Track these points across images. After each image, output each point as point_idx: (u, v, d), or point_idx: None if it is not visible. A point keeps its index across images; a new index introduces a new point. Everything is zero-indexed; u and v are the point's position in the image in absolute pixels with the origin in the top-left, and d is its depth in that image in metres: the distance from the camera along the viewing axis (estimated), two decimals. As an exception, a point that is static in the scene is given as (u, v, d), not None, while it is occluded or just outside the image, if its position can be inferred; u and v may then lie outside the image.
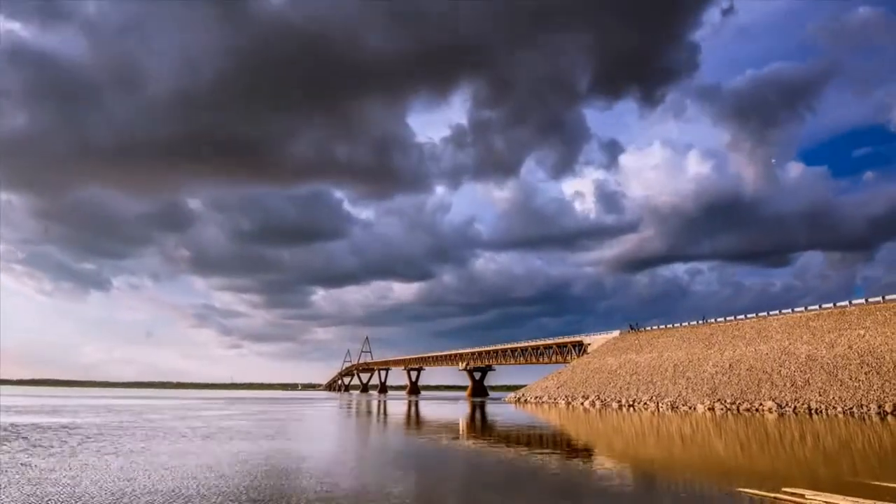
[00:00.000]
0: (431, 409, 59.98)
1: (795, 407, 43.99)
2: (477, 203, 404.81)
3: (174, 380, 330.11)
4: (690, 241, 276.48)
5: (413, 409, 61.56)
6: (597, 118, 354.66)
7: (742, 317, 65.47)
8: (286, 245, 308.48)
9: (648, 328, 79.05)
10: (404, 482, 12.65)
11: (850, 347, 48.10)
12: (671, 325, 75.26)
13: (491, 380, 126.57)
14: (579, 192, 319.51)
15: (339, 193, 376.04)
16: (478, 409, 61.80)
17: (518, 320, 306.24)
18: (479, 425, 35.45)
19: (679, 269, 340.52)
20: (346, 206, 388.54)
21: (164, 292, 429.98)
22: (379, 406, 69.37)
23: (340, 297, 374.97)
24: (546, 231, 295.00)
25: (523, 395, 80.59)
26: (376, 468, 15.80)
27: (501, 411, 54.27)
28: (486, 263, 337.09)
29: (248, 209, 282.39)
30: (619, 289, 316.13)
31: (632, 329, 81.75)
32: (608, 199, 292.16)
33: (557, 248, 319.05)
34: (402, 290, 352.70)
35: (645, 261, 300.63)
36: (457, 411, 55.61)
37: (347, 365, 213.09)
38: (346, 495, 10.59)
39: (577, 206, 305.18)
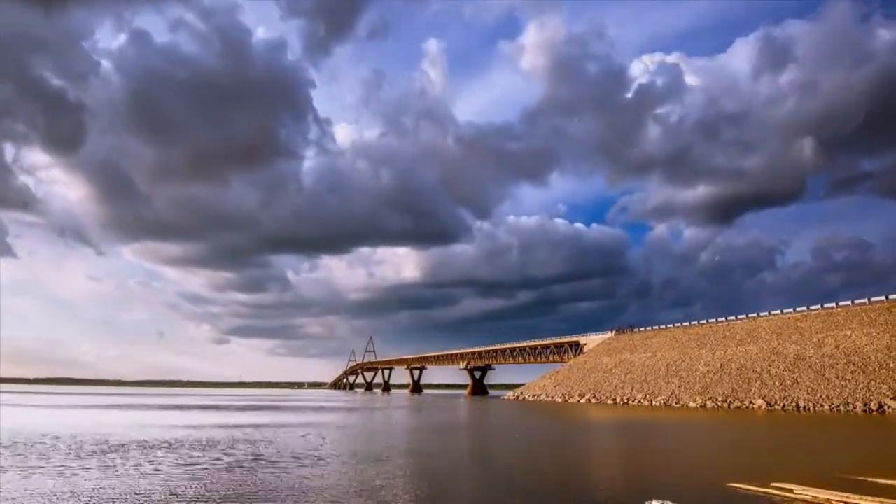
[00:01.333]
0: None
1: (784, 405, 43.93)
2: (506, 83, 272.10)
3: (184, 378, 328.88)
4: (840, 159, 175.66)
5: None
6: None
7: (733, 318, 65.48)
8: (222, 168, 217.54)
9: (642, 329, 79.10)
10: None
11: (836, 347, 48.05)
12: (664, 326, 75.35)
13: (490, 378, 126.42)
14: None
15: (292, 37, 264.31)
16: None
17: (549, 306, 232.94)
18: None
19: (792, 214, 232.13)
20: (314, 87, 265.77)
21: (98, 267, 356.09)
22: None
23: (324, 276, 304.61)
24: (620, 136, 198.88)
25: (522, 393, 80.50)
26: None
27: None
28: (513, 214, 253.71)
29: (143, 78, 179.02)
30: (691, 254, 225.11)
31: (625, 330, 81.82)
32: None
33: (632, 172, 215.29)
34: (403, 264, 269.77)
35: (747, 201, 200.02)
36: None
37: (352, 364, 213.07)
38: None
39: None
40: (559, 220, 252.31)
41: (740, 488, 10.60)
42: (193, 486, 10.76)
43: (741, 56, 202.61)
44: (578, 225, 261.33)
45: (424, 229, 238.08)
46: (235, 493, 10.13)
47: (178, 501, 9.32)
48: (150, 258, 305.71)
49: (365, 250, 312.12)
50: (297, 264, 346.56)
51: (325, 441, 20.17)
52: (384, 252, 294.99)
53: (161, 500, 9.35)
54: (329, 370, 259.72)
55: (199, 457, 15.09)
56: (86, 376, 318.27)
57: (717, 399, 49.48)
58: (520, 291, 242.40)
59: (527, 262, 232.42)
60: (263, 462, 14.28)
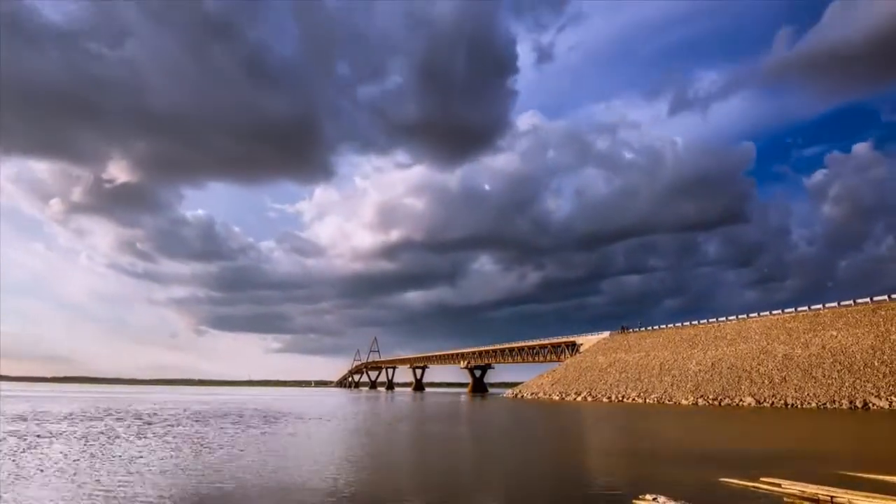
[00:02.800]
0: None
1: (773, 402, 43.83)
2: None
3: (195, 377, 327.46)
4: None
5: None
6: None
7: (724, 318, 65.41)
8: None
9: (637, 329, 79.00)
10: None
11: (823, 347, 47.98)
12: (658, 327, 75.26)
13: (490, 377, 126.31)
14: None
15: None
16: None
17: (595, 281, 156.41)
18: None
19: None
20: None
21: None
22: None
23: (289, 230, 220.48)
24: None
25: (520, 391, 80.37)
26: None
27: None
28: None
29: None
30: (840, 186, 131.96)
31: (623, 329, 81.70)
32: None
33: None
34: (406, 202, 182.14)
35: None
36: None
37: (357, 363, 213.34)
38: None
39: None
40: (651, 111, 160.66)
41: (731, 483, 10.62)
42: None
43: None
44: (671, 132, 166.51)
45: (446, 110, 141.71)
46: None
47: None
48: None
49: (345, 172, 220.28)
50: (239, 206, 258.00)
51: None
52: (377, 176, 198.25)
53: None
54: (332, 368, 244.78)
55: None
56: (100, 375, 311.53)
57: (708, 397, 49.37)
58: (569, 254, 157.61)
59: (586, 198, 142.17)
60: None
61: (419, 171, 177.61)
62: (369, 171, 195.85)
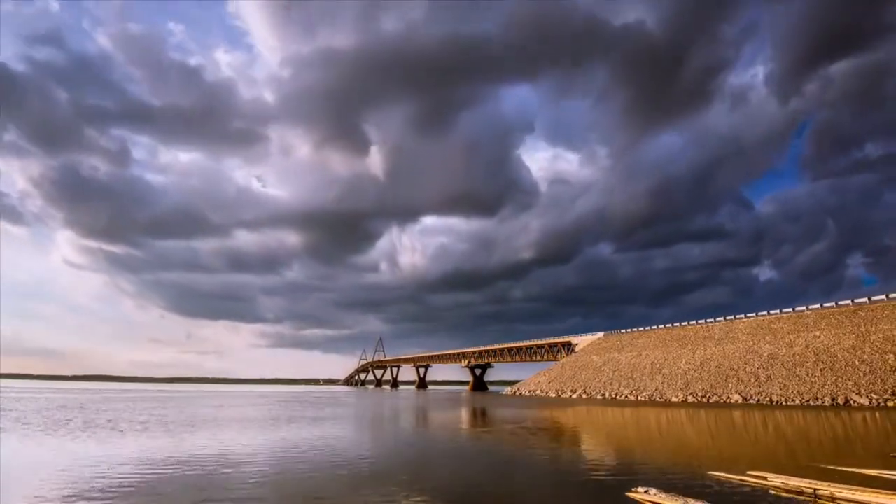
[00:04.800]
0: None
1: (759, 400, 43.78)
2: None
3: (209, 375, 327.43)
4: None
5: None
6: None
7: (712, 320, 65.42)
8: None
9: (630, 330, 78.97)
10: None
11: (807, 347, 47.95)
12: (650, 328, 75.25)
13: (490, 376, 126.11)
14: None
15: None
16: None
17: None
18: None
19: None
20: None
21: None
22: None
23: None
24: None
25: (519, 389, 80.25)
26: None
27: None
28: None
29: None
30: None
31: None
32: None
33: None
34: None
35: None
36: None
37: (363, 362, 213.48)
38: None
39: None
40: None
41: (719, 476, 10.72)
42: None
43: None
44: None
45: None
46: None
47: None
48: None
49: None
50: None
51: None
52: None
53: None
54: (330, 363, 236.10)
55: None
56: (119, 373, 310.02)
57: (697, 394, 49.30)
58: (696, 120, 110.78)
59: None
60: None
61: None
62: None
